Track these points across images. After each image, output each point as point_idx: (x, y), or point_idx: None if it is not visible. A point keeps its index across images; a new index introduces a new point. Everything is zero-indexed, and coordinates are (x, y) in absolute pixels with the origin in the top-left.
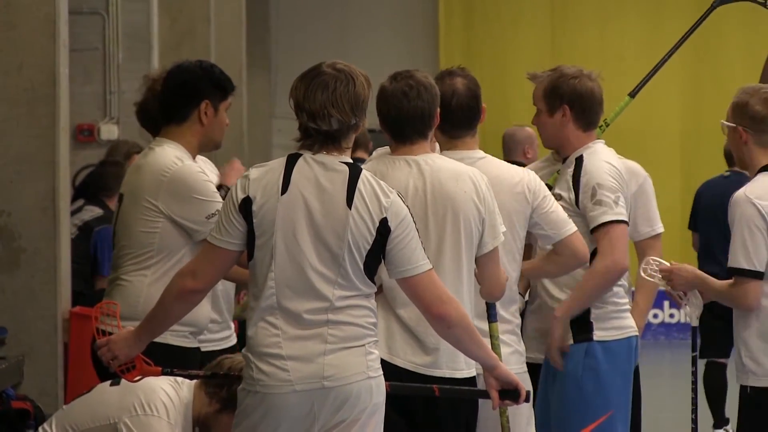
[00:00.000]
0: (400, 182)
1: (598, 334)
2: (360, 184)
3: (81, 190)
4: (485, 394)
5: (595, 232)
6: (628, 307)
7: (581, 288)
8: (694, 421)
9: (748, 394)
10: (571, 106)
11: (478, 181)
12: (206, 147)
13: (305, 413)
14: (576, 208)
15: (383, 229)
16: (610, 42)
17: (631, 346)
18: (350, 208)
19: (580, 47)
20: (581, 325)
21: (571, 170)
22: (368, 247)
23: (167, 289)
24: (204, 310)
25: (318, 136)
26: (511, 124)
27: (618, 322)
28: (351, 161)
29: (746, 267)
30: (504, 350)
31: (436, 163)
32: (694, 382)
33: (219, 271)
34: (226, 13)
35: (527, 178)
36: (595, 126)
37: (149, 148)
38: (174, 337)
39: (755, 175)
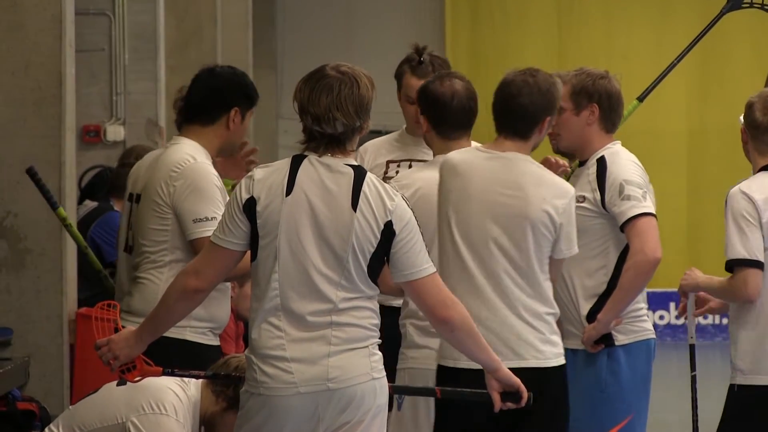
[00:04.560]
0: None
1: (619, 338)
2: (365, 187)
3: (87, 190)
4: (487, 396)
5: (625, 227)
6: (645, 311)
7: (621, 288)
8: (695, 422)
9: (734, 392)
10: (600, 105)
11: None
12: (225, 152)
13: (309, 415)
14: (602, 209)
15: (388, 232)
16: (617, 42)
17: (650, 348)
18: (355, 211)
19: (586, 47)
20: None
21: (593, 171)
22: (372, 250)
23: (170, 288)
24: (224, 306)
25: (323, 138)
26: None
27: (636, 325)
28: (356, 163)
29: (746, 256)
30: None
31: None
32: (694, 399)
33: (221, 270)
34: (233, 13)
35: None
36: (615, 129)
37: (165, 146)
38: (193, 333)
39: (756, 173)
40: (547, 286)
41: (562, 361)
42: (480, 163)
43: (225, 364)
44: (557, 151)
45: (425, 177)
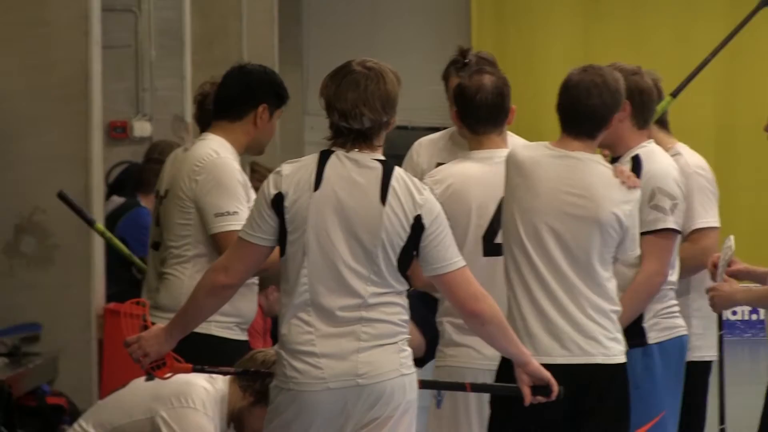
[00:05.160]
0: None
1: (651, 336)
2: (393, 181)
3: (114, 186)
4: (517, 390)
5: (645, 235)
6: (677, 307)
7: (629, 298)
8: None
9: None
10: (631, 101)
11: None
12: (253, 150)
13: (338, 411)
14: None
15: (417, 226)
16: (643, 39)
17: (683, 344)
18: (384, 205)
19: (612, 41)
20: (635, 331)
21: (627, 169)
22: (402, 244)
23: (199, 284)
24: (250, 301)
25: (350, 134)
26: (542, 117)
27: (669, 322)
28: (383, 158)
29: None
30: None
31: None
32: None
33: (250, 266)
34: (258, 9)
35: None
36: (649, 125)
37: (193, 142)
38: (218, 327)
39: None
40: (612, 285)
41: (624, 358)
42: (548, 161)
43: (251, 359)
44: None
45: (458, 172)
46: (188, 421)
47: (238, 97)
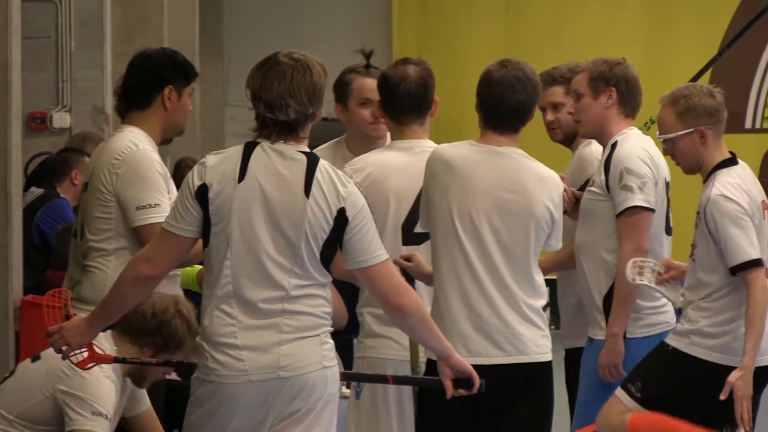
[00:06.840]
0: None
1: (629, 331)
2: (318, 174)
3: (33, 178)
4: (439, 383)
5: (619, 217)
6: (664, 302)
7: (618, 290)
8: None
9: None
10: (617, 89)
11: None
12: (170, 132)
13: (260, 403)
14: (606, 192)
15: (341, 219)
16: (566, 31)
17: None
18: (308, 197)
19: (534, 36)
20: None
21: (606, 154)
22: (325, 237)
23: (122, 275)
24: (173, 292)
25: (275, 126)
26: (465, 112)
27: (651, 318)
28: (308, 150)
29: (754, 256)
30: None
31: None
32: None
33: (174, 257)
34: (179, 0)
35: None
36: (635, 114)
37: (111, 135)
38: None
39: (709, 175)
40: (541, 279)
41: (551, 356)
42: (478, 159)
43: (139, 314)
44: (556, 140)
45: (378, 161)
46: (87, 383)
47: (143, 84)
